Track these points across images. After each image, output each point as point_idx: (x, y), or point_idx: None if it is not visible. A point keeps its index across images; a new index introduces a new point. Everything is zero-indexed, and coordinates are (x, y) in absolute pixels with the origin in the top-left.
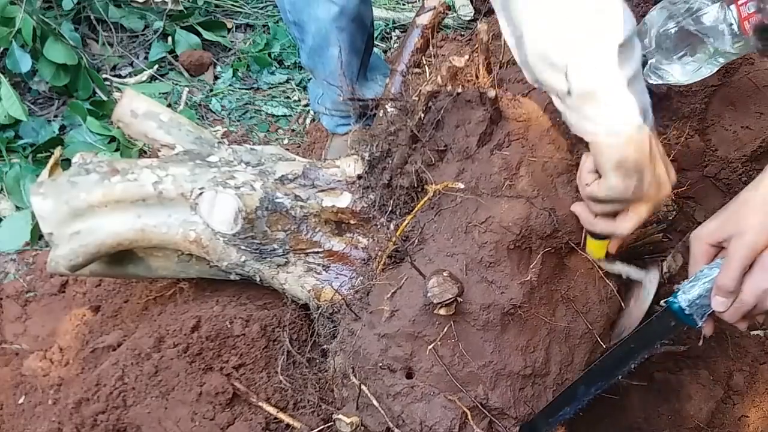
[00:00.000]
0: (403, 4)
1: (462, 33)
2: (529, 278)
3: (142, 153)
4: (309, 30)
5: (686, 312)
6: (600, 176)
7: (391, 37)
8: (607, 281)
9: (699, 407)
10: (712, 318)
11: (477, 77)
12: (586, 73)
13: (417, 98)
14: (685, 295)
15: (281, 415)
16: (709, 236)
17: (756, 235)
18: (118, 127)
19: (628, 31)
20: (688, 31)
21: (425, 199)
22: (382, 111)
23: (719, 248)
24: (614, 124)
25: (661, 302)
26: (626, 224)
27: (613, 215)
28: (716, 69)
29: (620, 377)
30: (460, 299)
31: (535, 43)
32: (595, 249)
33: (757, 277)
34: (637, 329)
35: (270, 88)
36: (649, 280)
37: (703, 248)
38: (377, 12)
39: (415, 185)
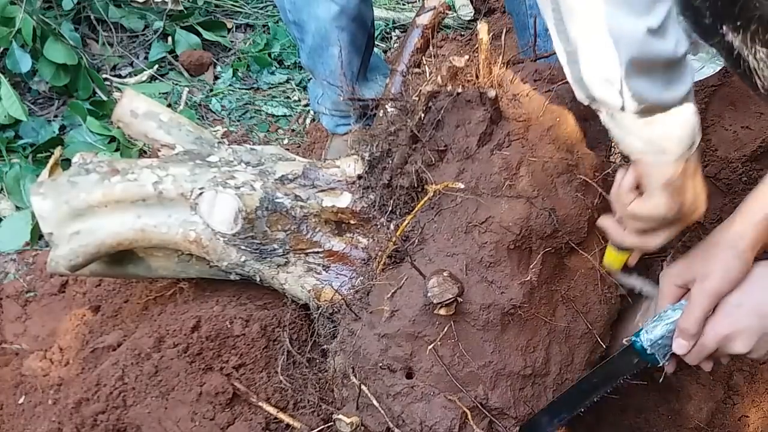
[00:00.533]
0: (403, 4)
1: (462, 33)
2: (529, 278)
3: (142, 153)
4: (309, 29)
5: (648, 352)
6: (640, 194)
7: (391, 37)
8: (607, 281)
9: (699, 407)
10: (674, 357)
11: (477, 77)
12: (640, 91)
13: (417, 98)
14: (648, 335)
15: (281, 415)
16: (677, 276)
17: (719, 280)
18: (118, 127)
19: (682, 51)
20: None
21: (425, 199)
22: (382, 111)
23: (686, 289)
24: (666, 145)
25: (624, 340)
26: (656, 240)
27: (644, 231)
28: (719, 68)
29: (582, 411)
30: (460, 299)
31: (590, 58)
32: (614, 261)
33: (719, 322)
34: (601, 364)
35: (270, 88)
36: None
37: (671, 288)
38: (377, 12)
39: (415, 185)
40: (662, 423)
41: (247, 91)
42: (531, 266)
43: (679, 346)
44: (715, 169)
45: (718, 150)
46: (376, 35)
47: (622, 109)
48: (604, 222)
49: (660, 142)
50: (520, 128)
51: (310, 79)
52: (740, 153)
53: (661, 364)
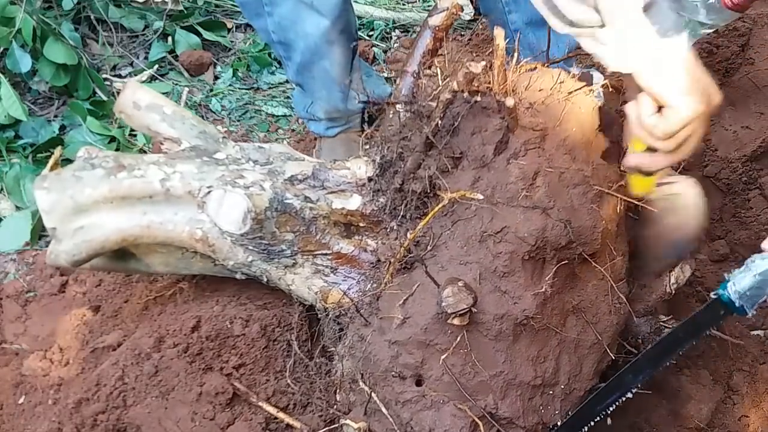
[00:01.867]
0: (404, 4)
1: (462, 33)
2: (542, 289)
3: (142, 153)
4: (297, 47)
5: (736, 304)
6: (660, 110)
7: (390, 37)
8: (618, 292)
9: (699, 407)
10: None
11: (492, 83)
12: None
13: (435, 104)
14: (735, 287)
15: (281, 415)
16: None
17: None
18: (119, 126)
19: None
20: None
21: (439, 206)
22: (392, 112)
23: None
24: (661, 46)
25: (711, 294)
26: (690, 144)
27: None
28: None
29: (668, 364)
30: (474, 309)
31: None
32: (644, 185)
33: None
34: (686, 320)
35: (270, 88)
36: (688, 189)
37: None
38: (377, 12)
39: (428, 191)
40: (662, 423)
41: (247, 91)
42: (545, 277)
43: None
44: (715, 169)
45: (718, 150)
46: (375, 35)
47: (603, 25)
48: (633, 160)
49: (656, 47)
50: (537, 137)
51: (293, 89)
52: (740, 153)
53: (749, 315)
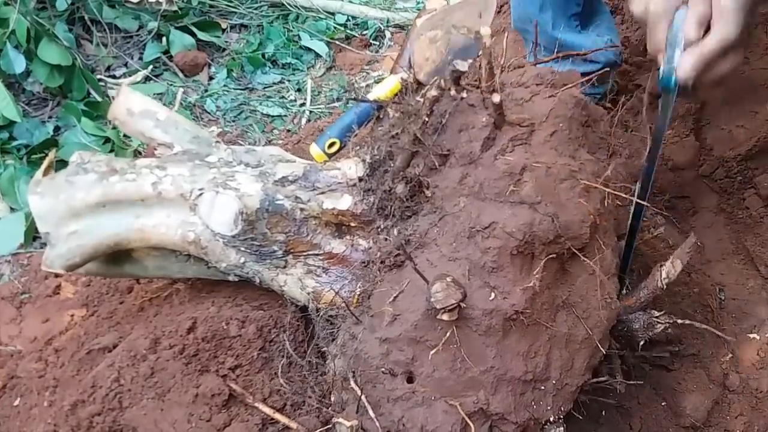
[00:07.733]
0: (398, 5)
1: None
2: (531, 284)
3: (136, 154)
4: None
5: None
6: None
7: (384, 36)
8: (608, 286)
9: (695, 406)
10: None
11: (479, 81)
12: None
13: (422, 101)
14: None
15: (278, 416)
16: None
17: None
18: (114, 128)
19: None
20: None
21: None
22: (384, 113)
23: None
24: None
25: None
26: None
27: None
28: None
29: None
30: (463, 305)
31: None
32: None
33: None
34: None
35: (264, 88)
36: None
37: None
38: (372, 12)
39: (416, 189)
40: (659, 421)
41: (242, 91)
42: (534, 272)
43: None
44: (710, 168)
45: (713, 149)
46: (370, 34)
47: None
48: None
49: None
50: (524, 133)
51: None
52: (735, 152)
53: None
